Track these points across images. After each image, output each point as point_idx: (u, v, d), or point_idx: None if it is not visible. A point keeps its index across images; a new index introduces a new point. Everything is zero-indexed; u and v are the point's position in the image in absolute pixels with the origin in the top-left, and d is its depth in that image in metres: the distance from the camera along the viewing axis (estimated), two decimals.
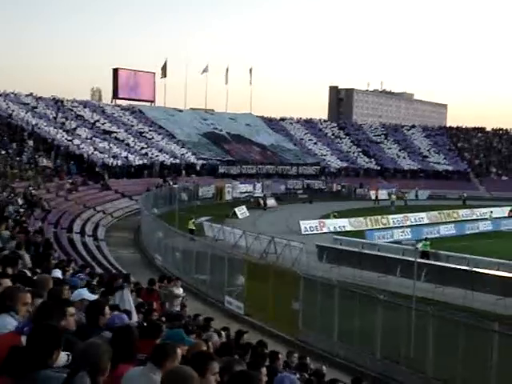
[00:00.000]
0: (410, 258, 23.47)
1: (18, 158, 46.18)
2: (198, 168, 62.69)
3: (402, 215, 47.17)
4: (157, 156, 60.66)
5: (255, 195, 58.51)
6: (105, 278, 16.33)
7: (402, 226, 43.37)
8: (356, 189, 66.86)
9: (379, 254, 30.31)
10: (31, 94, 64.33)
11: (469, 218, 49.07)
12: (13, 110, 56.65)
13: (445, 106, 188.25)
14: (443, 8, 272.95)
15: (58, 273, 10.85)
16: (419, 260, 23.69)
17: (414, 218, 47.21)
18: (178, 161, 61.61)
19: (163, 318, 10.48)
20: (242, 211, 48.40)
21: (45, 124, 56.46)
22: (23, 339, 4.13)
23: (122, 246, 35.70)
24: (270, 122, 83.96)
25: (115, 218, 43.97)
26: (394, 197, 58.81)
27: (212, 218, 42.58)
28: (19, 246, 12.77)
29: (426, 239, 33.81)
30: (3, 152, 45.88)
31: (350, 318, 18.81)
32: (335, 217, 44.66)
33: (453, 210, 50.77)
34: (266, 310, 21.45)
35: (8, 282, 5.52)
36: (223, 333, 10.51)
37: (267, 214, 51.07)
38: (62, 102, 66.09)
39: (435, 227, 43.20)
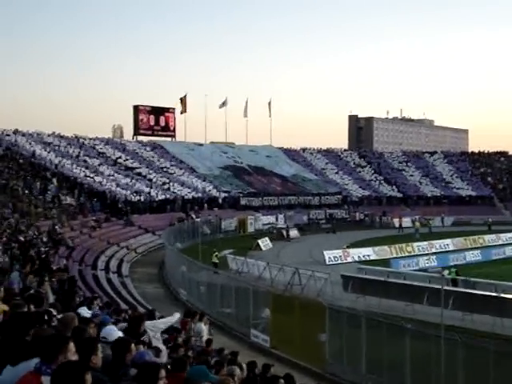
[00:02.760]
0: (437, 286, 23.17)
1: (41, 197, 46.68)
2: (220, 201, 62.84)
3: (426, 242, 46.69)
4: (179, 190, 60.96)
5: (278, 226, 58.37)
6: (130, 314, 16.33)
7: (428, 254, 42.89)
8: (380, 217, 66.40)
9: (405, 282, 29.96)
10: (53, 134, 65.22)
11: (495, 244, 48.44)
12: (36, 150, 57.39)
13: (466, 131, 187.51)
14: (462, 34, 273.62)
15: (84, 310, 10.86)
16: (446, 287, 23.38)
17: (439, 244, 46.67)
18: (199, 194, 61.88)
19: (189, 353, 10.42)
20: (265, 243, 48.27)
21: (68, 162, 57.11)
22: (43, 379, 4.09)
23: (146, 282, 35.73)
24: (290, 153, 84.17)
25: (139, 254, 44.08)
26: (418, 224, 58.33)
27: (235, 251, 42.51)
28: (41, 283, 12.81)
29: (453, 267, 33.44)
30: (27, 191, 46.40)
31: (377, 348, 18.55)
32: (348, 247, 44.24)
33: (478, 235, 50.18)
34: (292, 343, 21.25)
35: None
36: (244, 365, 10.39)
37: (290, 245, 50.88)
38: (84, 140, 66.89)
39: (461, 254, 42.69)
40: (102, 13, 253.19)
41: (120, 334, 7.14)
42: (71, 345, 4.32)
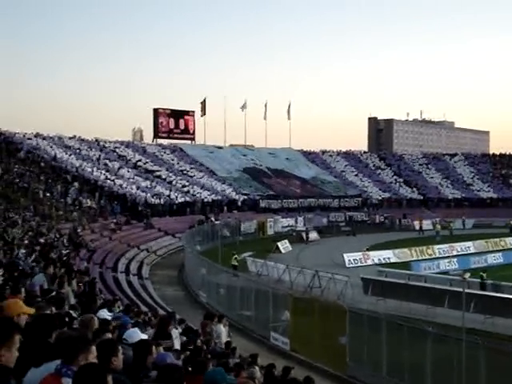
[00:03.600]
0: (458, 289, 23.02)
1: (62, 200, 47.04)
2: (240, 203, 62.91)
3: (447, 245, 46.36)
4: (198, 193, 61.11)
5: (297, 229, 58.26)
6: (150, 316, 16.40)
7: (449, 256, 42.60)
8: (400, 219, 66.02)
9: (426, 285, 29.78)
10: (74, 137, 65.68)
11: None
12: (57, 153, 57.84)
13: (487, 132, 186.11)
14: (482, 35, 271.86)
15: (104, 313, 10.91)
16: (467, 290, 23.21)
17: (460, 247, 46.30)
18: (219, 197, 62.00)
19: (209, 355, 10.43)
20: (284, 245, 48.21)
21: (88, 165, 57.49)
22: (64, 381, 4.11)
23: (166, 284, 35.87)
24: (309, 156, 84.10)
25: (159, 256, 44.26)
26: (438, 226, 57.94)
27: (255, 254, 42.51)
28: (61, 285, 12.88)
29: (482, 269, 33.22)
30: (48, 194, 46.77)
31: (398, 351, 18.47)
32: (368, 250, 44.01)
33: (500, 238, 49.72)
34: (312, 345, 21.22)
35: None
36: (257, 368, 10.38)
37: (310, 247, 50.79)
38: (105, 143, 67.31)
39: (482, 256, 42.33)
40: (123, 16, 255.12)
41: (142, 336, 7.17)
42: (93, 347, 4.35)
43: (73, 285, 14.45)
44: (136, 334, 7.09)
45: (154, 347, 6.03)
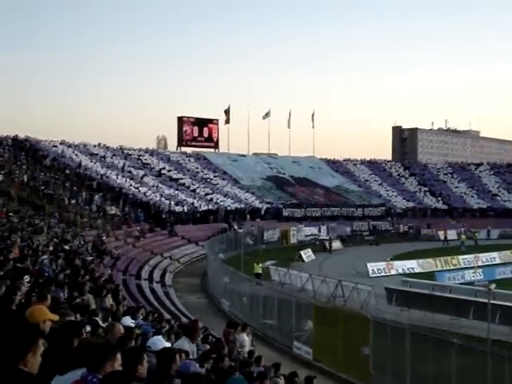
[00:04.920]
0: (484, 300, 22.75)
1: (87, 207, 47.42)
2: (263, 212, 62.92)
3: (472, 255, 45.82)
4: (222, 201, 61.23)
5: (320, 238, 58.10)
6: (172, 324, 16.42)
7: (473, 267, 42.11)
8: (424, 229, 65.46)
9: (451, 296, 29.47)
10: (99, 145, 66.26)
11: None
12: (82, 161, 58.36)
13: None
14: (507, 44, 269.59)
15: (128, 320, 10.95)
16: (493, 301, 22.94)
17: (485, 258, 45.77)
18: (242, 205, 62.06)
19: (232, 364, 10.42)
20: (307, 254, 48.09)
21: (113, 173, 57.91)
22: None
23: (189, 292, 35.92)
24: (333, 164, 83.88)
25: (182, 264, 44.37)
26: (463, 237, 57.37)
27: (278, 262, 42.44)
28: (82, 292, 12.90)
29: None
30: (73, 201, 47.17)
31: (422, 362, 18.28)
32: (391, 259, 43.72)
33: None
34: (335, 355, 21.08)
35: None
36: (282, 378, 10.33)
37: (333, 256, 50.58)
38: (129, 151, 67.80)
39: (508, 267, 41.72)
40: (149, 24, 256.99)
41: (165, 344, 7.18)
42: (118, 355, 4.35)
43: (109, 298, 14.45)
44: (160, 342, 7.11)
45: (177, 355, 6.03)
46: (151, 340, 7.04)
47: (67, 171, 54.52)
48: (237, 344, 15.70)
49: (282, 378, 10.13)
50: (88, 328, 7.23)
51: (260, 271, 37.15)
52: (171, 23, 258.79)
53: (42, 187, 47.96)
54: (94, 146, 65.38)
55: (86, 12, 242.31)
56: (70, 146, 62.43)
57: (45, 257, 20.43)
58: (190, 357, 9.36)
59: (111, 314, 12.48)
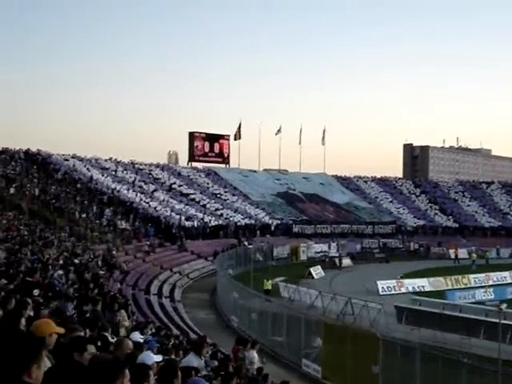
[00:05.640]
0: (494, 320, 22.56)
1: (97, 221, 47.53)
2: (273, 228, 62.82)
3: (483, 274, 45.56)
4: (232, 217, 61.23)
5: (330, 255, 57.90)
6: (181, 339, 16.37)
7: (484, 286, 41.84)
8: (434, 247, 65.13)
9: (461, 315, 29.25)
10: (110, 159, 66.49)
11: None
12: (93, 175, 58.58)
13: None
14: None
15: (136, 335, 10.92)
16: (504, 321, 22.74)
17: (496, 277, 45.49)
18: (252, 221, 62.01)
19: (242, 382, 10.36)
20: (317, 271, 47.94)
21: (124, 187, 58.07)
22: None
23: (198, 307, 35.85)
24: (343, 181, 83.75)
25: (191, 279, 44.30)
26: (474, 255, 57.05)
27: (287, 279, 42.32)
28: (93, 304, 12.88)
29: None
30: (84, 215, 47.31)
31: (432, 382, 18.14)
32: (402, 277, 43.53)
33: None
34: (344, 374, 20.94)
35: (93, 348, 5.55)
36: None
37: (343, 273, 50.38)
38: (140, 165, 68.02)
39: None
40: (160, 40, 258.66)
41: (156, 358, 7.08)
42: (127, 371, 4.32)
43: (121, 313, 14.45)
44: (148, 358, 6.99)
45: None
46: (140, 356, 6.93)
47: (78, 185, 54.71)
48: (246, 361, 15.62)
49: None
50: (99, 343, 7.19)
51: (270, 287, 37.06)
52: (184, 40, 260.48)
53: (53, 201, 48.15)
54: (106, 161, 65.61)
55: (99, 27, 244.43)
56: (81, 159, 62.70)
57: (59, 272, 20.47)
58: (200, 373, 9.33)
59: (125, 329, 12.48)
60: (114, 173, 62.60)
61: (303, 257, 57.69)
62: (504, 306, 23.90)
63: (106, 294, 17.26)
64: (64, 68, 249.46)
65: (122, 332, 12.35)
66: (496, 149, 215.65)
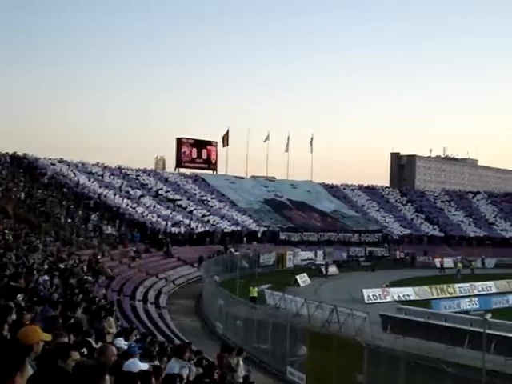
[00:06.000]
0: (479, 329, 22.65)
1: (83, 226, 47.30)
2: (259, 235, 62.83)
3: (468, 284, 45.73)
4: (218, 223, 61.17)
5: (316, 262, 57.97)
6: (166, 346, 16.29)
7: (469, 296, 42.02)
8: (420, 256, 65.42)
9: (446, 324, 29.36)
10: (98, 164, 66.26)
11: None
12: (80, 179, 58.31)
13: (511, 171, 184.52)
14: (507, 72, 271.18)
15: (120, 341, 10.85)
16: (488, 331, 22.84)
17: (481, 286, 45.67)
18: (239, 228, 61.99)
19: None
20: (303, 279, 47.94)
21: (110, 192, 57.85)
22: None
23: (183, 314, 35.75)
24: (330, 189, 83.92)
25: (177, 286, 44.17)
26: (459, 265, 57.26)
27: (273, 286, 42.29)
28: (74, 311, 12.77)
29: None
30: (69, 220, 47.08)
31: None
32: (387, 286, 43.69)
33: None
34: (328, 382, 20.93)
35: (77, 355, 5.53)
36: None
37: (329, 281, 50.41)
38: (127, 170, 67.82)
39: (504, 297, 41.62)
40: (147, 45, 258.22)
41: (142, 366, 7.03)
42: (107, 377, 4.29)
43: (109, 320, 14.38)
44: (134, 365, 6.92)
45: (154, 379, 5.93)
46: (126, 364, 6.85)
47: (65, 189, 54.41)
48: (229, 369, 15.57)
49: None
50: (83, 350, 7.14)
51: (256, 295, 37.02)
52: (171, 45, 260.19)
53: (39, 205, 47.86)
54: (93, 165, 65.35)
55: (85, 31, 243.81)
56: (68, 164, 62.38)
57: (44, 277, 20.33)
58: (186, 378, 9.29)
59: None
60: (100, 178, 62.36)
61: (289, 264, 57.70)
62: (489, 315, 24.04)
63: (92, 300, 17.17)
64: (51, 72, 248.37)
65: (109, 339, 12.26)
66: (482, 159, 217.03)
